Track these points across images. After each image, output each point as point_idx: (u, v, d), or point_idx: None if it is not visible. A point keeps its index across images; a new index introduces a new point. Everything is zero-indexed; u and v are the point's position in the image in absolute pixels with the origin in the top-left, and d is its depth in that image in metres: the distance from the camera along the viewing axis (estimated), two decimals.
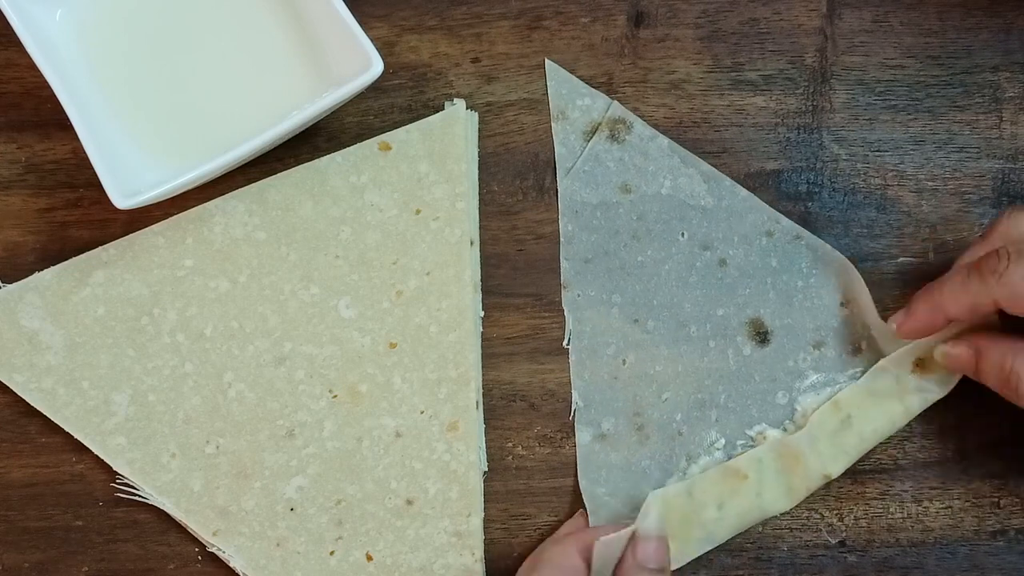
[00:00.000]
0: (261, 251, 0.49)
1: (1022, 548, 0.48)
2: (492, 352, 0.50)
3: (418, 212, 0.49)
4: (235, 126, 0.49)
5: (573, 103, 0.51)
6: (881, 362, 0.48)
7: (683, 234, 0.50)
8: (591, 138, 0.51)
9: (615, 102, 0.51)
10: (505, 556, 0.48)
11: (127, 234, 0.49)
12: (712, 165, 0.51)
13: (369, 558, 0.47)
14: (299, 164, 0.50)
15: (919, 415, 0.48)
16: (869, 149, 0.51)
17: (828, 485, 0.48)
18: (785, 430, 0.48)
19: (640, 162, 0.50)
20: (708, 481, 0.47)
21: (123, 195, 0.45)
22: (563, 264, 0.50)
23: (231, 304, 0.49)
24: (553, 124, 0.51)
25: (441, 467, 0.48)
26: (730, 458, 0.47)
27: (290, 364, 0.48)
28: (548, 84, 0.51)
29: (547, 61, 0.51)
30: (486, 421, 0.49)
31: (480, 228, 0.50)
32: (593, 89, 0.51)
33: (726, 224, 0.50)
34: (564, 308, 0.49)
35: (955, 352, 0.45)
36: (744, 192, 0.50)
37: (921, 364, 0.47)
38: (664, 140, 0.50)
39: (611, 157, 0.50)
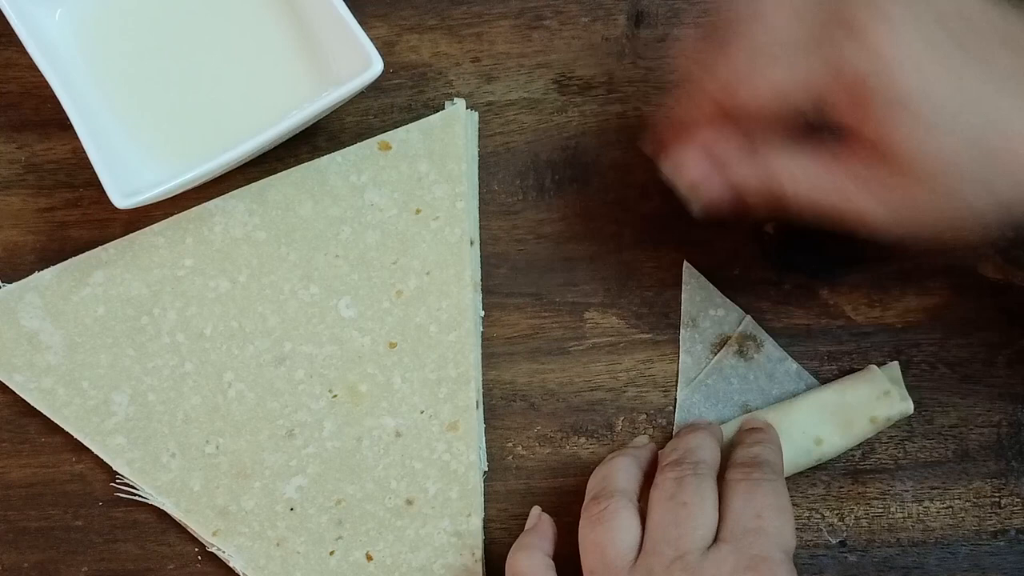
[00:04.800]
0: (261, 251, 0.49)
1: (1023, 548, 0.48)
2: (492, 352, 0.49)
3: (418, 212, 0.49)
4: (235, 126, 0.49)
5: (706, 312, 0.49)
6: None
7: None
8: (718, 351, 0.49)
9: (748, 317, 0.49)
10: (505, 556, 0.48)
11: (127, 234, 0.49)
12: None
13: (369, 558, 0.47)
14: (299, 164, 0.50)
15: (919, 412, 0.48)
16: None
17: (829, 484, 0.48)
18: None
19: (765, 384, 0.48)
20: None
21: (123, 195, 0.45)
22: None
23: (231, 304, 0.49)
24: (682, 330, 0.49)
25: (441, 467, 0.48)
26: None
27: (290, 364, 0.48)
28: (683, 288, 0.49)
29: (685, 264, 0.49)
30: (486, 421, 0.49)
31: (480, 228, 0.50)
32: (728, 300, 0.49)
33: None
34: None
35: (711, 192, 0.40)
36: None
37: None
38: (793, 365, 0.49)
39: (736, 374, 0.49)
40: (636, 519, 0.42)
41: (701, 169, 0.40)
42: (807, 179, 0.38)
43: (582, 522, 0.43)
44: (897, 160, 0.36)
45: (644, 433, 0.49)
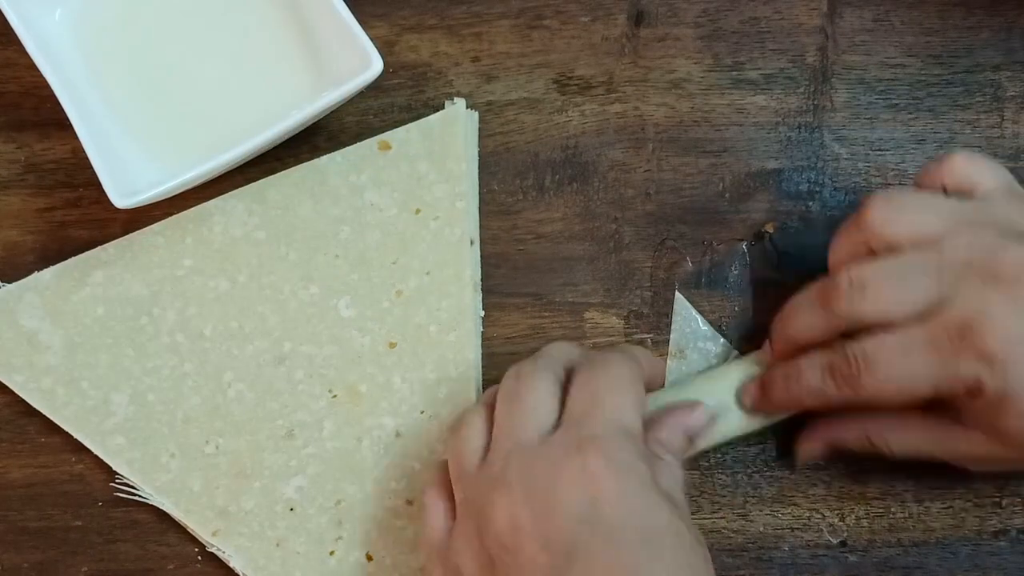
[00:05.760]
0: (261, 251, 0.49)
1: None
2: (492, 352, 0.49)
3: (418, 212, 0.49)
4: (235, 126, 0.49)
5: (694, 344, 0.49)
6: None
7: None
8: None
9: (735, 352, 0.48)
10: None
11: (127, 234, 0.49)
12: (713, 164, 0.51)
13: (369, 558, 0.47)
14: (299, 164, 0.50)
15: None
16: (870, 148, 0.51)
17: (829, 484, 0.48)
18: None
19: None
20: None
21: (122, 195, 0.45)
22: None
23: (231, 304, 0.49)
24: (669, 360, 0.49)
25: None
26: None
27: (290, 364, 0.48)
28: (674, 320, 0.49)
29: (677, 294, 0.49)
30: None
31: (480, 228, 0.50)
32: (716, 332, 0.49)
33: None
34: None
35: (811, 450, 0.46)
36: None
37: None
38: None
39: None
40: (488, 421, 0.42)
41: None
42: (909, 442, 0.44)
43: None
44: (1004, 439, 0.41)
45: None
